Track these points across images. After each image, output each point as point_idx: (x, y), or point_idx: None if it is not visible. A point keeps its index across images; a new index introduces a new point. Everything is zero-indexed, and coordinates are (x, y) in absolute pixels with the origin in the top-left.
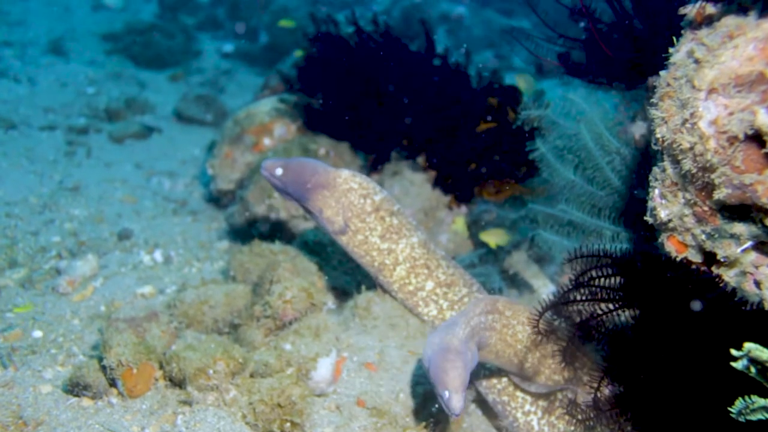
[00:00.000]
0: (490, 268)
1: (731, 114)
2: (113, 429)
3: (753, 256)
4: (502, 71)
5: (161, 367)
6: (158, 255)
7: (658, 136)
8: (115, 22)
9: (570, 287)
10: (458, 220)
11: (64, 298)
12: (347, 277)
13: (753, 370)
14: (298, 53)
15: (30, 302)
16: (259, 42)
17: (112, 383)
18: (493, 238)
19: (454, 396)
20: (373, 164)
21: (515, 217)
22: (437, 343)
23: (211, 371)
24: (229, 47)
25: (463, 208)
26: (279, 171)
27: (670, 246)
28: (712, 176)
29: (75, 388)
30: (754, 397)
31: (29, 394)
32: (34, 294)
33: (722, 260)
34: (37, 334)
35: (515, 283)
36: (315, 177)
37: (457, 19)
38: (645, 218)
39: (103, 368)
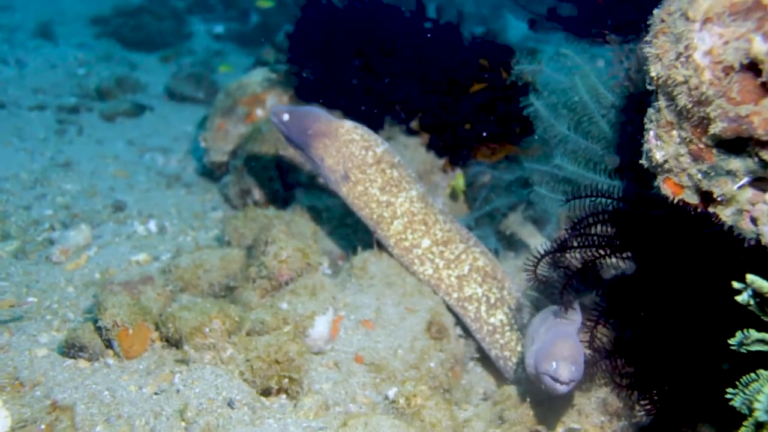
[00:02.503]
0: (486, 230)
1: (726, 43)
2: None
3: (749, 193)
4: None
5: (157, 328)
6: (152, 225)
7: (653, 74)
8: (103, 5)
9: (567, 235)
10: (460, 177)
11: (58, 266)
12: (342, 241)
13: (752, 303)
14: None
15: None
16: (249, 23)
17: (108, 344)
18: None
19: (561, 363)
20: None
21: (510, 178)
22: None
23: (207, 330)
24: (219, 29)
25: (458, 171)
26: (286, 117)
27: (667, 189)
28: (708, 110)
29: (71, 349)
30: (751, 331)
31: (25, 357)
32: (28, 263)
33: (719, 199)
34: (32, 300)
35: (512, 244)
36: (316, 124)
37: None
38: (640, 162)
39: (99, 330)
